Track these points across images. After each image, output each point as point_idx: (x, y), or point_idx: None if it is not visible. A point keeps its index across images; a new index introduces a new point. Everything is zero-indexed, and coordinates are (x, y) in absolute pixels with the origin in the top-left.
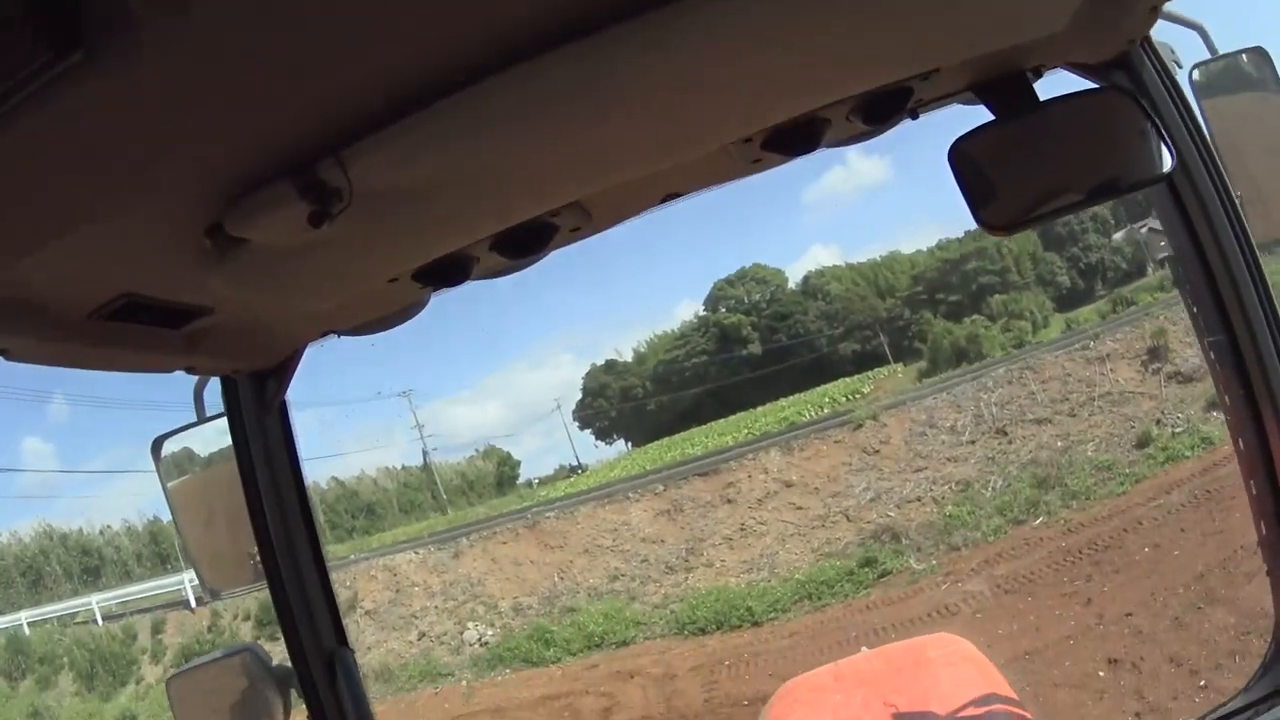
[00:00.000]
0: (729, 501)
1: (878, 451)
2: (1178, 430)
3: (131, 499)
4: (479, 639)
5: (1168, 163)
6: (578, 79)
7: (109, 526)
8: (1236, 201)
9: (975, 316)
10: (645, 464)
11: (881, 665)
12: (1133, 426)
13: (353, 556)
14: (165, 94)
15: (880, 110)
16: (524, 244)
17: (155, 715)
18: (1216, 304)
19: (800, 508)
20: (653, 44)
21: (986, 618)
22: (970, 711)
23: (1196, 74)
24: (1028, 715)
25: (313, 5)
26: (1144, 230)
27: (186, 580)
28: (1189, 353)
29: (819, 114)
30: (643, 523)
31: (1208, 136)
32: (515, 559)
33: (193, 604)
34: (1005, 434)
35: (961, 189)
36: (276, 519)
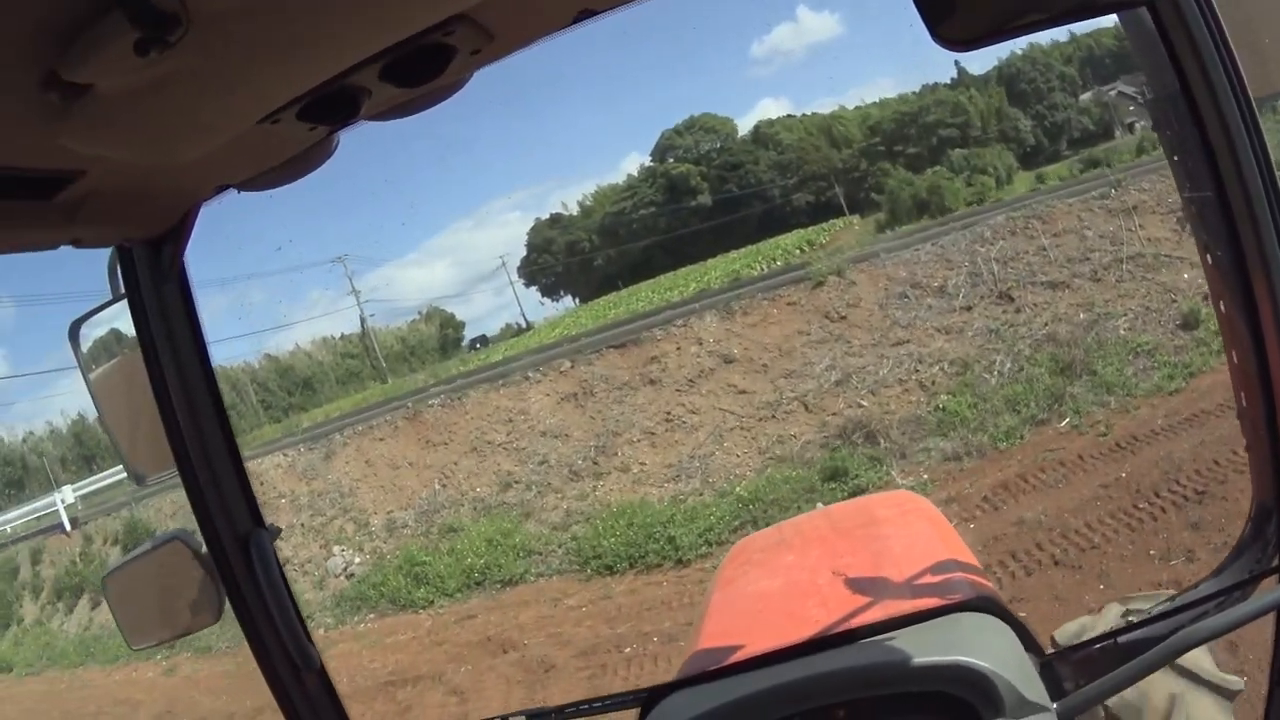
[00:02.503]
0: (651, 382)
1: (844, 318)
2: None
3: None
4: (345, 568)
5: None
6: None
7: (31, 432)
8: (1230, 45)
9: (936, 168)
10: (589, 321)
11: (836, 522)
12: (1174, 300)
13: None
14: None
15: None
16: (416, 70)
17: (30, 662)
18: (1204, 151)
19: (743, 391)
20: None
21: (1016, 588)
22: (925, 570)
23: None
24: (985, 580)
25: None
26: (1113, 93)
27: (59, 501)
28: None
29: None
30: (544, 411)
31: None
32: (392, 460)
33: (67, 526)
34: (1011, 299)
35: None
36: (180, 397)
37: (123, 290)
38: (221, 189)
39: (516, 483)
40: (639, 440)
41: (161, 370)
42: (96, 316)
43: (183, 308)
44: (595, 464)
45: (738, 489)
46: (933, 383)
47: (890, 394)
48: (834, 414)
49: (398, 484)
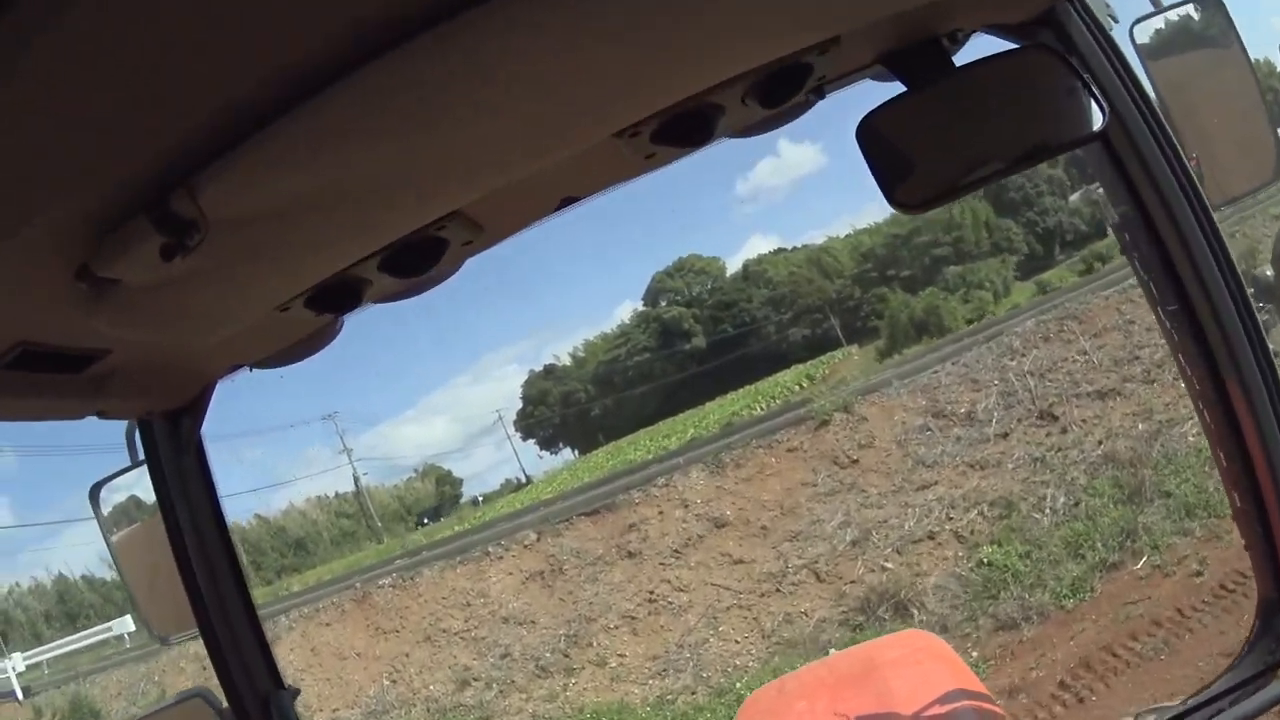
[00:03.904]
0: (630, 555)
1: (856, 461)
2: None
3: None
4: None
5: (1098, 120)
6: (430, 75)
7: (18, 585)
8: (1185, 161)
9: (930, 289)
10: (587, 474)
11: (848, 668)
12: None
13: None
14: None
15: (777, 91)
16: (413, 262)
17: None
18: (1168, 270)
19: (740, 561)
20: (507, 29)
21: None
22: (937, 709)
23: (1138, 29)
24: (999, 709)
25: (135, 26)
26: (1100, 190)
27: (10, 669)
28: None
29: (710, 99)
30: (506, 592)
31: (1149, 93)
32: (339, 649)
33: (19, 695)
34: (1054, 418)
35: (871, 168)
36: (200, 561)
37: (141, 456)
38: (236, 367)
39: (475, 680)
40: (617, 626)
41: (182, 535)
42: (116, 481)
43: (200, 476)
44: (566, 656)
45: (739, 685)
46: (971, 532)
47: (920, 551)
48: (853, 582)
49: (345, 677)
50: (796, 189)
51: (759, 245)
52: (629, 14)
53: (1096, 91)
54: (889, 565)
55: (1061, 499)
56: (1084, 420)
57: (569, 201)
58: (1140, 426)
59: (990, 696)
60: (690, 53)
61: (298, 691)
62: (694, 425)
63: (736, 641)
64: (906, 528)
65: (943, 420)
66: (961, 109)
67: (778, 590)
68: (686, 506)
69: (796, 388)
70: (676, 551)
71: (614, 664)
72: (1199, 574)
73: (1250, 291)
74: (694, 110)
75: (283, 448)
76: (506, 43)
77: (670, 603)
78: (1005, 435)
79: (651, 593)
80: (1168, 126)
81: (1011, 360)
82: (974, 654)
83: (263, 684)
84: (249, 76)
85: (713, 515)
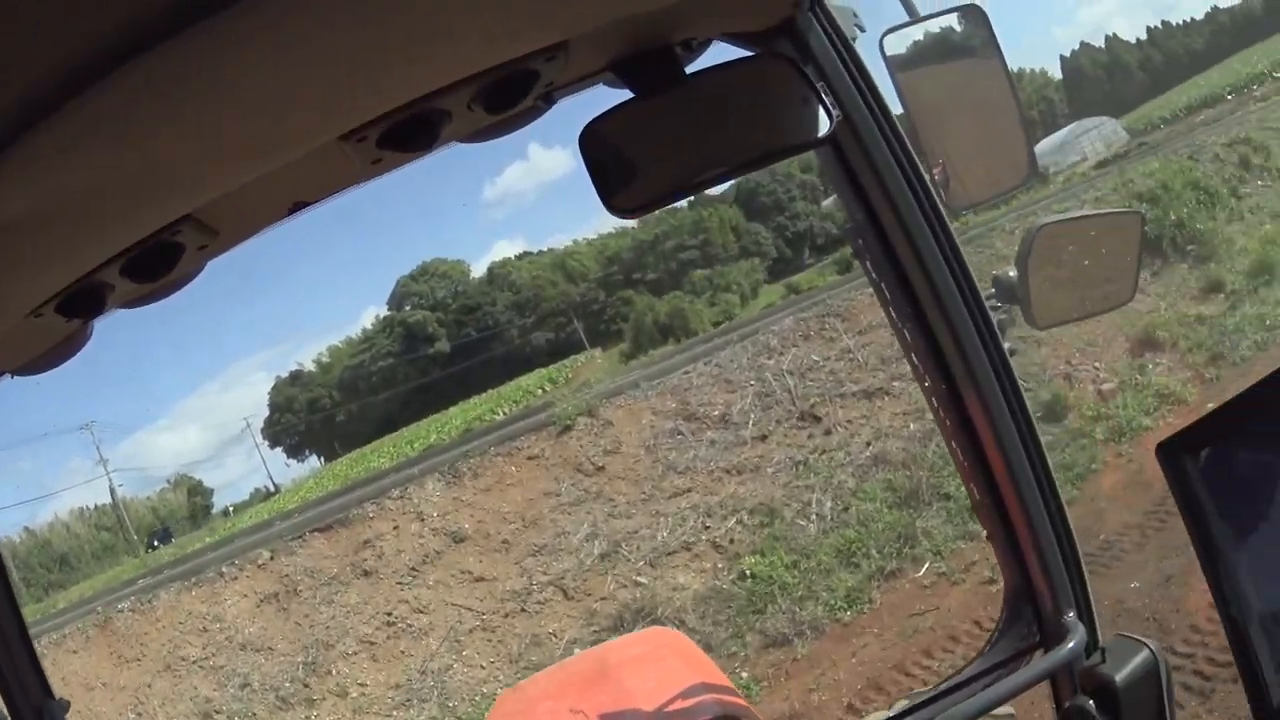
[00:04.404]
0: (366, 574)
1: (602, 469)
2: (1105, 385)
3: None
4: None
5: (824, 126)
6: (155, 88)
7: None
8: (919, 167)
9: (676, 292)
10: (333, 482)
11: (592, 667)
12: (1026, 388)
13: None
14: None
15: (503, 97)
16: (151, 266)
17: None
18: (898, 273)
19: (481, 579)
20: (226, 41)
21: None
22: (680, 703)
23: (890, 39)
24: (742, 702)
25: None
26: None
27: None
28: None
29: (435, 105)
30: (242, 616)
31: (887, 102)
32: (86, 679)
33: None
34: (817, 419)
35: (591, 174)
36: None
37: None
38: None
39: (217, 713)
40: (356, 652)
41: None
42: None
43: None
44: (306, 686)
45: (487, 713)
46: (731, 541)
47: (676, 563)
48: (604, 598)
49: (93, 711)
50: (545, 193)
51: (505, 249)
52: (348, 20)
53: (829, 99)
54: (642, 580)
55: (829, 504)
56: (850, 421)
57: (300, 206)
58: (912, 427)
59: (734, 690)
60: (410, 57)
61: (69, 704)
62: (436, 431)
63: (482, 667)
64: (660, 539)
65: (695, 423)
66: (689, 116)
67: (523, 610)
68: (423, 520)
69: (539, 391)
70: (414, 569)
71: (355, 694)
72: (992, 581)
73: (992, 291)
74: (419, 115)
75: (48, 459)
76: (224, 55)
77: (410, 625)
78: (764, 438)
79: (390, 615)
80: (903, 134)
81: (769, 359)
82: (744, 674)
83: (36, 695)
84: None
85: (450, 529)
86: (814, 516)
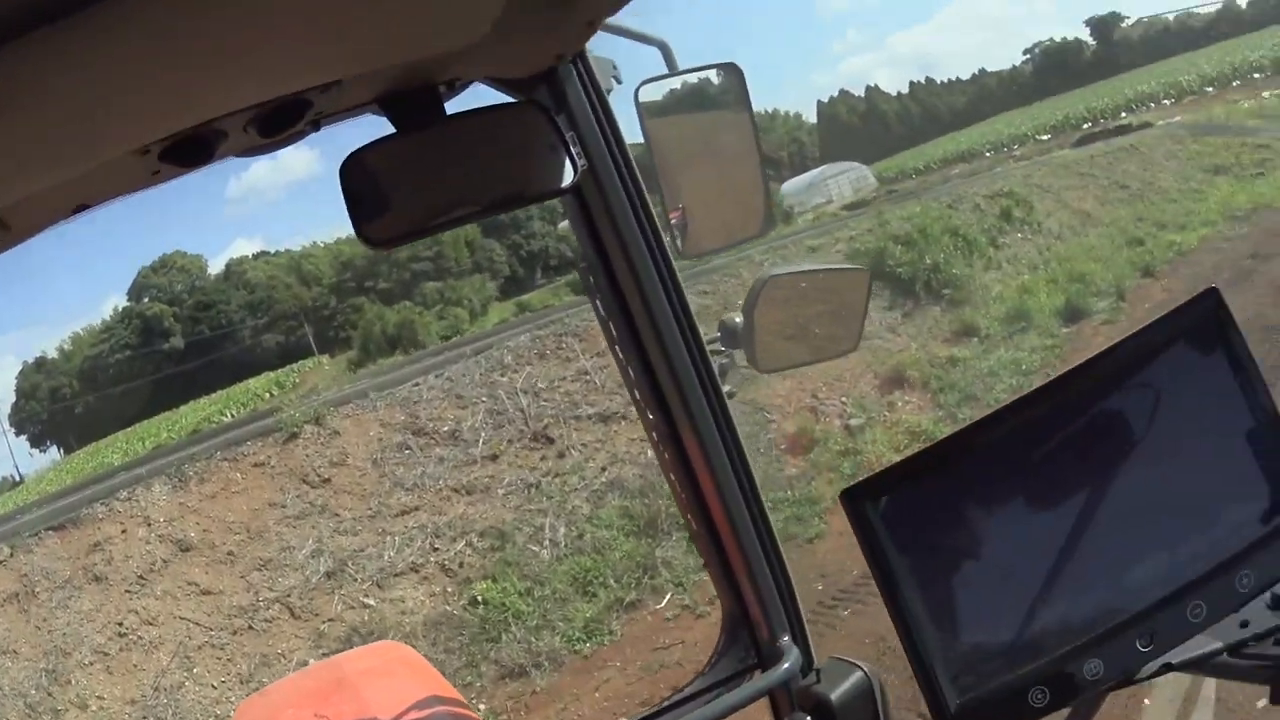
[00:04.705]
0: (97, 579)
1: (327, 480)
2: (853, 420)
3: None
4: None
5: (569, 176)
6: None
7: None
8: (653, 217)
9: (406, 303)
10: (70, 477)
11: (330, 676)
12: (770, 420)
13: None
14: None
15: (277, 123)
16: None
17: None
18: (625, 314)
19: (208, 592)
20: (42, 57)
21: None
22: (414, 714)
23: (647, 89)
24: (473, 714)
25: None
26: None
27: None
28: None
29: (214, 125)
30: None
31: (630, 153)
32: None
33: None
34: (550, 440)
35: (347, 202)
36: None
37: None
38: None
39: None
40: (92, 663)
41: None
42: None
43: None
44: (50, 695)
45: None
46: (461, 564)
47: (404, 585)
48: (331, 620)
49: None
50: (289, 193)
51: (245, 247)
52: (147, 48)
53: (576, 150)
54: (370, 601)
55: (562, 530)
56: (585, 444)
57: (83, 207)
58: (650, 454)
59: (465, 703)
60: (200, 85)
61: None
62: (167, 429)
63: (214, 686)
64: (386, 558)
65: (424, 438)
66: (445, 155)
67: (250, 627)
68: (149, 525)
69: (266, 395)
70: (142, 578)
71: (94, 707)
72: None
73: (717, 335)
74: (199, 135)
75: None
76: (39, 70)
77: (140, 638)
78: (494, 457)
79: (121, 625)
80: (642, 184)
81: (502, 376)
82: (482, 706)
83: None
84: None
85: (176, 537)
86: (547, 542)
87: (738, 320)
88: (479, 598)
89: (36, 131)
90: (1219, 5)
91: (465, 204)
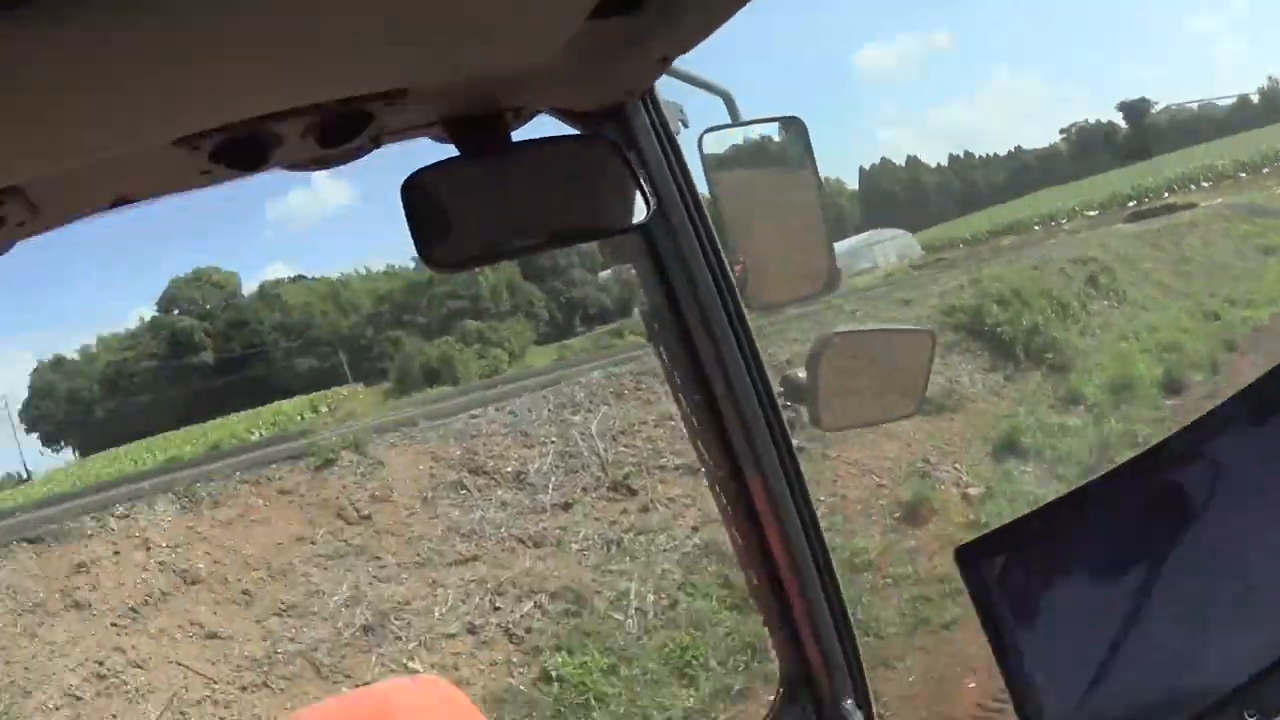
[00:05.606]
0: (77, 606)
1: (368, 518)
2: (971, 489)
3: None
4: None
5: (640, 213)
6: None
7: None
8: (726, 264)
9: (448, 339)
10: (84, 480)
11: (372, 708)
12: (880, 486)
13: None
14: None
15: (336, 133)
16: None
17: None
18: (693, 361)
19: (214, 635)
20: (88, 24)
21: None
22: None
23: (709, 138)
24: None
25: None
26: (634, 271)
27: None
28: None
29: (271, 127)
30: None
31: (700, 196)
32: None
33: None
34: (632, 491)
35: (410, 223)
36: None
37: None
38: None
39: None
40: (59, 706)
41: None
42: None
43: None
44: None
45: None
46: (528, 630)
47: (459, 649)
48: (366, 683)
49: None
50: (325, 221)
51: (280, 270)
52: (198, 28)
53: (646, 187)
54: (415, 666)
55: (650, 597)
56: (672, 499)
57: (124, 201)
58: None
59: None
60: (254, 76)
61: None
62: (190, 444)
63: None
64: (438, 614)
65: (484, 478)
66: (510, 182)
67: (264, 684)
68: (149, 549)
69: (299, 418)
70: (134, 609)
71: None
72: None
73: (781, 390)
74: (252, 136)
75: None
76: (67, 33)
77: (125, 682)
78: (567, 506)
79: (101, 664)
80: (714, 231)
81: (574, 415)
82: None
83: None
84: None
85: (181, 566)
86: (634, 610)
87: (802, 375)
88: (553, 673)
89: (67, 102)
90: (1234, 99)
91: (530, 233)
